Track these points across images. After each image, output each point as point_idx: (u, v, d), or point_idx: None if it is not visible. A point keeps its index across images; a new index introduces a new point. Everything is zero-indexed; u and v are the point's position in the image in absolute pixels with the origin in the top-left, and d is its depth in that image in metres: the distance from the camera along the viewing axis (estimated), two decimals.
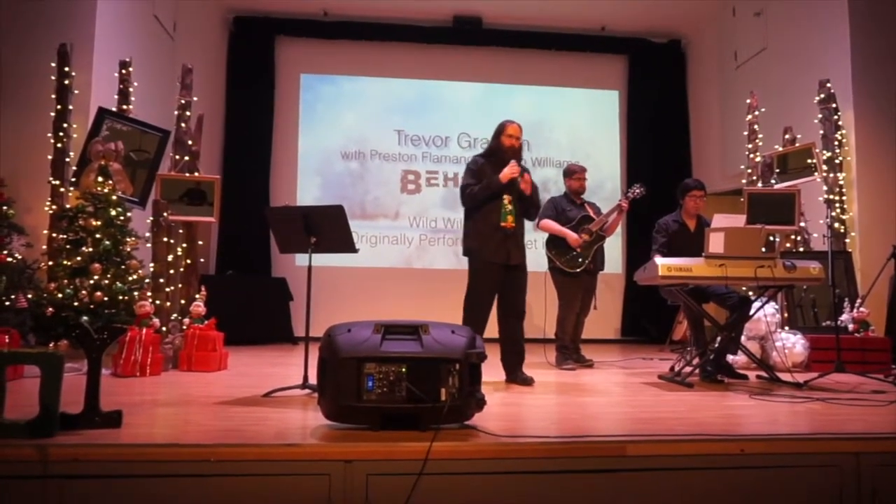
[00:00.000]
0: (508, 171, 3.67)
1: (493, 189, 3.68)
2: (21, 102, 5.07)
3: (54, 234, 4.42)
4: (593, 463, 2.08)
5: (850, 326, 4.80)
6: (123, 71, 5.11)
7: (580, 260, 4.90)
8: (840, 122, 5.71)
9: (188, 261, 5.15)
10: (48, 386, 2.11)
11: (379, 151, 8.11)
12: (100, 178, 4.10)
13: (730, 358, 4.21)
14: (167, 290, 4.79)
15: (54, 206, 4.77)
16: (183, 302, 4.96)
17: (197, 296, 4.70)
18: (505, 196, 3.70)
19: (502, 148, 3.75)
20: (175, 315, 4.74)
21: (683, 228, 4.37)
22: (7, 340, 3.74)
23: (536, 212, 4.04)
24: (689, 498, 2.09)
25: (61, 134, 4.86)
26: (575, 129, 8.29)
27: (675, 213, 4.46)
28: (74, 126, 4.95)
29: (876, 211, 5.56)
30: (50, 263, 4.20)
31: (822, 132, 5.70)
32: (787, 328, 5.00)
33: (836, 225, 5.45)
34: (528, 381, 3.66)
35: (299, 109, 8.07)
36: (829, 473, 2.15)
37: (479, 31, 8.13)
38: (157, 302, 4.59)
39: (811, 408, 2.98)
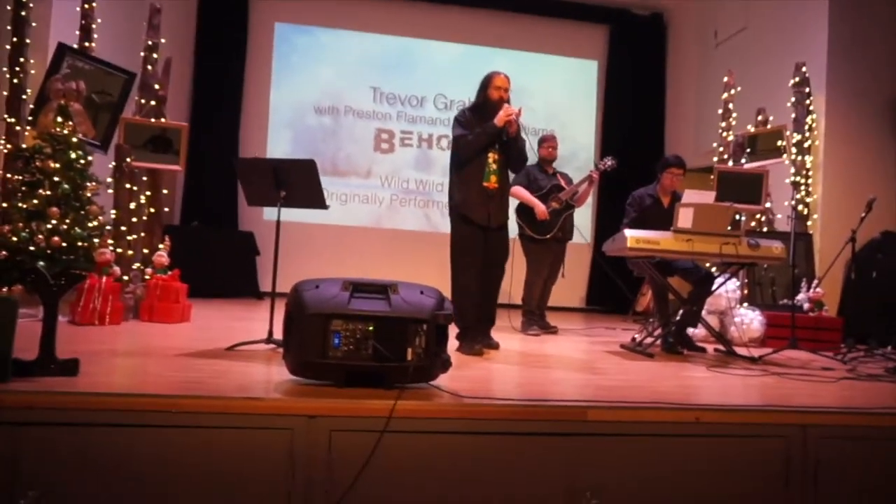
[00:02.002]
0: (504, 114, 3.50)
1: (489, 134, 3.53)
2: None
3: (8, 175, 4.22)
4: (554, 426, 2.12)
5: (806, 306, 4.96)
6: (86, 5, 4.85)
7: (548, 227, 4.92)
8: (811, 108, 5.80)
9: (152, 209, 5.01)
10: (1, 331, 2.04)
11: (353, 108, 7.95)
12: (59, 119, 3.93)
13: (689, 331, 4.32)
14: (129, 238, 4.66)
15: (9, 146, 4.55)
16: (146, 251, 4.85)
17: (160, 245, 4.59)
18: (490, 154, 3.60)
19: (490, 101, 3.62)
20: (137, 264, 4.63)
21: (657, 203, 4.40)
22: None
23: (522, 165, 3.90)
24: (646, 463, 2.15)
25: (17, 69, 4.61)
26: (552, 97, 8.24)
27: (650, 187, 4.48)
28: (32, 62, 4.69)
29: (839, 195, 5.70)
30: (4, 206, 4.02)
31: (793, 115, 5.78)
32: (745, 304, 5.14)
33: (800, 207, 5.58)
34: (493, 346, 3.68)
35: (272, 59, 7.81)
36: (778, 443, 2.24)
37: None
38: (119, 250, 4.47)
39: (764, 381, 3.08)
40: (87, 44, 4.82)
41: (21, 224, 3.10)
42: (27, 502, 1.83)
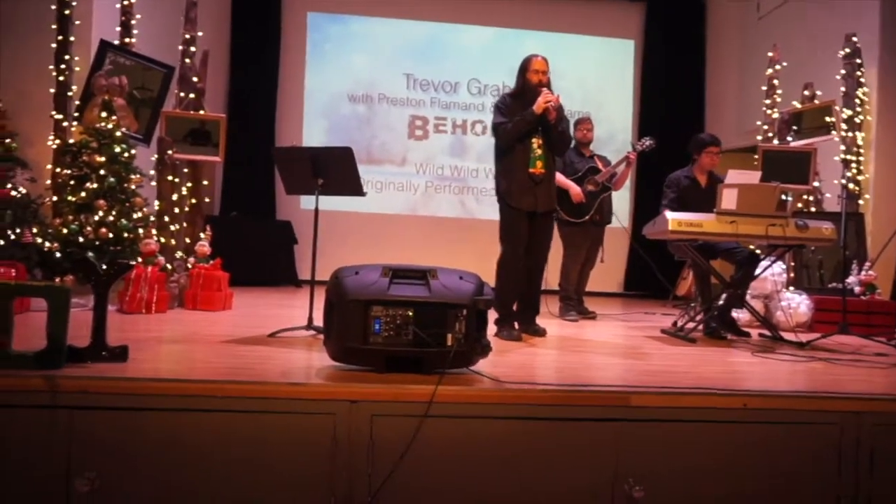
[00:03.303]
0: (542, 101, 3.44)
1: (528, 122, 3.48)
2: (21, 32, 4.94)
3: (58, 170, 4.37)
4: (596, 412, 2.09)
5: (857, 289, 4.78)
6: (125, 2, 4.96)
7: (584, 210, 4.85)
8: (863, 80, 5.54)
9: (193, 200, 5.12)
10: (55, 319, 2.12)
11: (387, 95, 7.95)
12: (103, 114, 4.03)
13: (734, 315, 4.21)
14: (172, 228, 4.78)
15: (58, 141, 4.70)
16: (188, 241, 4.96)
17: (202, 235, 4.69)
18: (534, 140, 3.55)
19: (529, 85, 3.56)
20: (180, 254, 4.74)
21: (695, 184, 4.30)
22: (13, 274, 3.74)
23: (565, 148, 3.87)
24: (691, 450, 2.11)
25: (63, 66, 4.75)
26: (587, 79, 8.09)
27: (686, 169, 4.37)
28: (76, 59, 4.83)
29: (892, 174, 5.46)
30: (54, 199, 4.17)
31: (843, 89, 5.54)
32: (792, 288, 4.98)
33: (851, 186, 5.37)
34: (540, 332, 3.64)
35: (306, 49, 7.86)
36: (830, 431, 2.17)
37: None
38: (163, 240, 4.58)
39: (812, 367, 2.98)
40: (127, 39, 4.94)
41: (70, 217, 3.21)
42: (82, 482, 1.90)
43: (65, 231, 3.04)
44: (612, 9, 8.20)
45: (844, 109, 5.48)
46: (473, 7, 8.00)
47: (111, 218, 3.60)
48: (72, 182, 3.70)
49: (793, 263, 5.21)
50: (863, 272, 4.83)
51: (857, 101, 5.50)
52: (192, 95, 5.17)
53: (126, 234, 3.74)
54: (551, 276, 4.86)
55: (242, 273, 5.43)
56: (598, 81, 8.16)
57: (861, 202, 5.43)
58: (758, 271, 4.04)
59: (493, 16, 8.02)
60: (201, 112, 5.21)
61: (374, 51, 7.91)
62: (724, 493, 2.12)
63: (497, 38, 8.05)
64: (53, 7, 4.77)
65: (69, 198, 3.63)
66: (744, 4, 7.53)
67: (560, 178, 4.91)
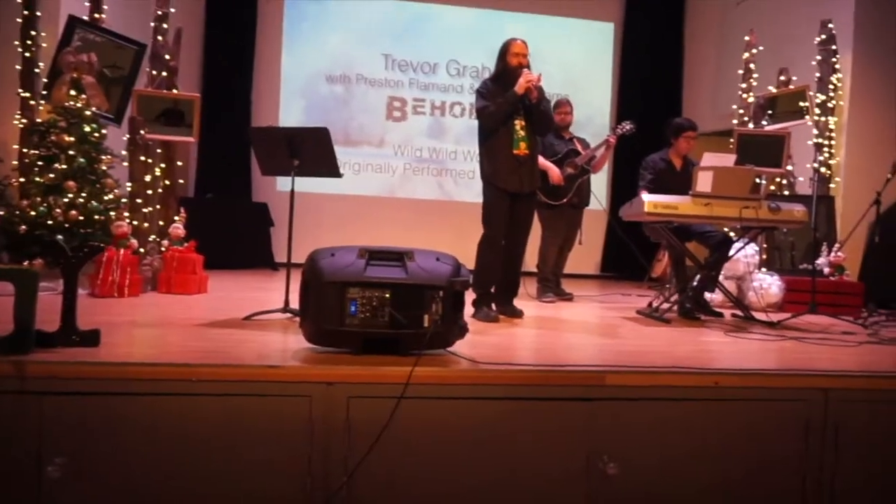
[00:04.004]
0: (524, 81, 3.47)
1: (511, 103, 3.50)
2: None
3: (25, 150, 4.25)
4: (572, 391, 2.12)
5: (826, 270, 4.88)
6: None
7: (562, 192, 4.87)
8: (837, 66, 5.62)
9: (166, 182, 5.02)
10: (23, 303, 2.07)
11: (365, 76, 7.85)
12: (72, 92, 3.91)
13: (707, 296, 4.28)
14: (145, 210, 4.69)
15: (24, 120, 4.57)
16: (162, 224, 4.88)
17: (176, 217, 4.61)
18: (517, 121, 3.56)
19: (509, 68, 3.58)
20: (153, 237, 4.66)
21: (670, 167, 4.34)
22: None
23: (548, 129, 3.92)
24: (665, 427, 2.15)
25: (29, 42, 4.60)
26: (567, 61, 8.06)
27: (662, 151, 4.41)
28: (43, 35, 4.68)
29: (862, 157, 5.56)
30: (21, 180, 4.05)
31: (818, 75, 5.61)
32: (764, 269, 5.08)
33: (823, 169, 5.46)
34: (517, 314, 3.67)
35: (283, 28, 7.71)
36: (798, 407, 2.23)
37: None
38: (135, 223, 4.50)
39: (783, 346, 3.05)
40: (96, 15, 4.79)
41: (39, 198, 3.13)
42: (54, 469, 1.87)
43: (32, 213, 2.96)
44: None
45: (818, 94, 5.55)
46: None
47: (81, 199, 3.49)
48: (40, 163, 3.59)
49: (765, 245, 5.30)
50: (832, 254, 4.94)
51: (831, 86, 5.58)
52: (164, 74, 5.05)
53: (97, 217, 3.64)
54: (529, 257, 4.89)
55: (218, 256, 5.36)
56: (577, 64, 8.15)
57: (832, 185, 5.53)
58: (731, 253, 4.11)
59: None
60: (174, 91, 5.10)
61: (353, 30, 7.80)
62: (696, 469, 2.17)
63: (476, 19, 7.98)
64: None
65: (37, 179, 3.51)
66: None
67: (540, 160, 4.91)
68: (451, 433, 2.05)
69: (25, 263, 3.47)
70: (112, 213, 3.88)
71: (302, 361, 2.15)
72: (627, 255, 6.69)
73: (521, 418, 2.09)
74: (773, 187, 5.53)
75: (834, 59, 5.60)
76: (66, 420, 1.92)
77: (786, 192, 5.50)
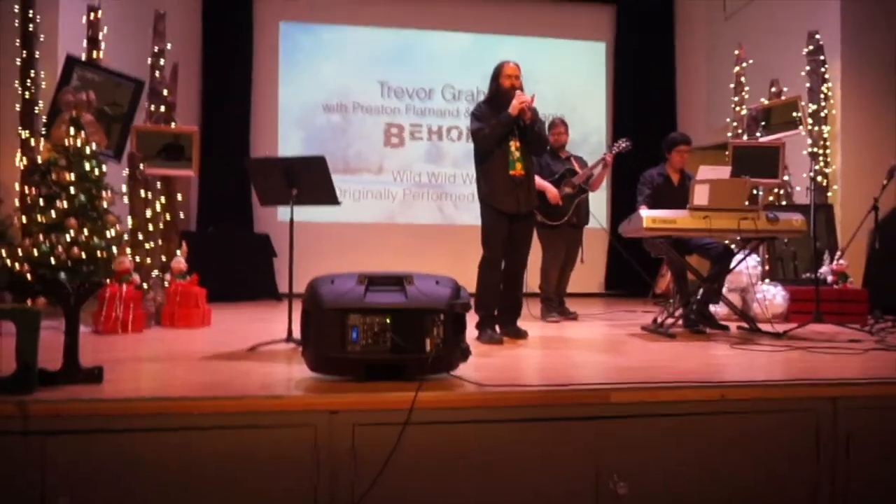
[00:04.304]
0: (517, 102, 3.50)
1: (505, 124, 3.54)
2: None
3: (26, 189, 4.29)
4: (578, 410, 2.10)
5: (829, 278, 4.87)
6: (92, 16, 4.89)
7: (561, 212, 4.88)
8: (827, 76, 5.67)
9: (167, 216, 5.05)
10: (25, 342, 2.07)
11: (361, 104, 7.94)
12: (71, 130, 3.96)
13: (711, 309, 4.26)
14: (147, 245, 4.71)
15: (25, 159, 4.62)
16: (164, 258, 4.90)
17: (178, 251, 4.63)
18: (512, 143, 3.59)
19: (502, 90, 3.62)
20: (156, 271, 4.67)
21: (667, 182, 4.36)
22: None
23: (543, 149, 3.95)
24: (673, 443, 2.13)
25: (29, 83, 4.68)
26: (561, 82, 8.15)
27: (659, 167, 4.44)
28: (43, 74, 4.76)
29: (858, 164, 5.58)
30: (23, 219, 4.08)
31: (808, 85, 5.67)
32: (767, 280, 5.06)
33: (819, 178, 5.48)
34: (521, 335, 3.65)
35: (279, 59, 7.82)
36: (807, 417, 2.21)
37: None
38: (137, 258, 4.52)
39: (790, 356, 3.03)
40: (94, 54, 4.87)
41: (41, 237, 3.14)
42: None
43: (35, 252, 2.98)
44: (583, 11, 8.30)
45: (810, 104, 5.59)
46: (445, 14, 8.03)
47: (83, 237, 3.53)
48: (41, 201, 3.64)
49: (767, 256, 5.30)
50: (835, 262, 4.93)
51: (822, 95, 5.63)
52: (162, 109, 5.12)
53: (99, 253, 3.67)
54: (531, 278, 4.89)
55: (221, 288, 5.37)
56: (571, 84, 8.24)
57: (829, 194, 5.54)
58: (732, 265, 4.10)
59: (465, 22, 8.06)
60: (172, 125, 5.16)
61: (347, 59, 7.91)
62: (707, 485, 2.14)
63: (470, 43, 8.09)
64: (17, 23, 4.69)
65: (39, 217, 3.56)
66: (711, 5, 7.67)
67: (537, 180, 4.94)
68: (457, 457, 2.03)
69: (28, 302, 3.48)
70: (114, 250, 3.91)
71: (305, 391, 2.14)
72: (630, 273, 6.70)
73: (528, 440, 2.07)
74: (771, 198, 5.54)
75: (823, 69, 5.65)
76: (69, 459, 1.90)
77: (784, 202, 5.51)
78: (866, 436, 2.22)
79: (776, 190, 5.55)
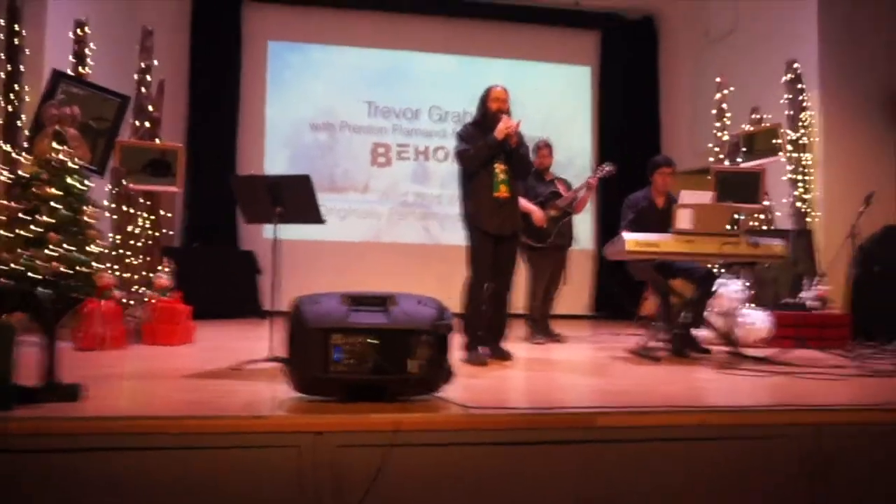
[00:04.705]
0: (503, 126, 3.55)
1: (490, 147, 3.58)
2: None
3: (7, 203, 4.23)
4: (563, 434, 2.09)
5: (810, 303, 4.93)
6: (79, 31, 4.88)
7: (545, 234, 4.92)
8: (806, 104, 5.80)
9: (152, 232, 5.00)
10: (0, 357, 2.03)
11: (349, 123, 7.96)
12: (55, 144, 3.92)
13: (695, 333, 4.29)
14: (129, 261, 4.66)
15: (6, 173, 4.56)
16: (147, 274, 4.84)
17: (160, 267, 4.58)
18: (497, 165, 3.63)
19: (489, 113, 3.67)
20: (137, 287, 4.61)
21: (652, 205, 4.40)
22: None
23: (527, 173, 4.02)
24: (658, 467, 2.12)
25: (12, 96, 4.63)
26: (546, 105, 8.25)
27: (644, 190, 4.48)
28: (27, 89, 4.71)
29: (839, 191, 5.69)
30: (3, 233, 4.01)
31: (789, 112, 5.79)
32: (753, 305, 5.11)
33: (799, 204, 5.57)
34: (506, 356, 3.65)
35: (266, 78, 7.84)
36: (790, 444, 2.21)
37: (451, 2, 8.00)
38: (119, 273, 4.46)
39: (773, 381, 3.05)
40: (80, 69, 4.85)
41: (21, 250, 3.09)
42: None
43: (13, 266, 2.93)
44: (569, 36, 8.44)
45: (790, 132, 5.71)
46: (433, 35, 8.12)
47: (64, 251, 3.47)
48: (22, 215, 3.58)
49: (752, 280, 5.35)
50: (814, 287, 4.99)
51: (802, 123, 5.75)
52: (147, 125, 5.10)
53: (80, 268, 3.61)
54: (517, 299, 4.89)
55: (205, 305, 5.29)
56: (556, 107, 8.34)
57: (809, 219, 5.63)
58: (714, 288, 4.14)
59: (452, 44, 8.15)
60: (157, 141, 5.13)
61: (335, 79, 7.94)
62: None
63: (457, 65, 8.18)
64: (2, 37, 4.66)
65: (19, 231, 3.50)
66: (693, 32, 7.84)
67: (522, 202, 4.97)
68: (442, 480, 2.01)
69: (4, 316, 3.41)
70: (95, 265, 3.85)
71: (289, 411, 2.11)
72: (616, 295, 6.73)
73: (512, 463, 2.06)
74: (753, 223, 5.62)
75: (802, 98, 5.78)
76: (47, 477, 1.85)
77: (765, 227, 5.59)
78: (849, 463, 2.22)
79: (758, 215, 5.63)
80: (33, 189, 3.45)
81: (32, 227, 3.21)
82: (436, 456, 2.03)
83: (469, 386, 2.65)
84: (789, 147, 5.64)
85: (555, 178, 5.22)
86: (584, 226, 7.50)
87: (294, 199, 3.33)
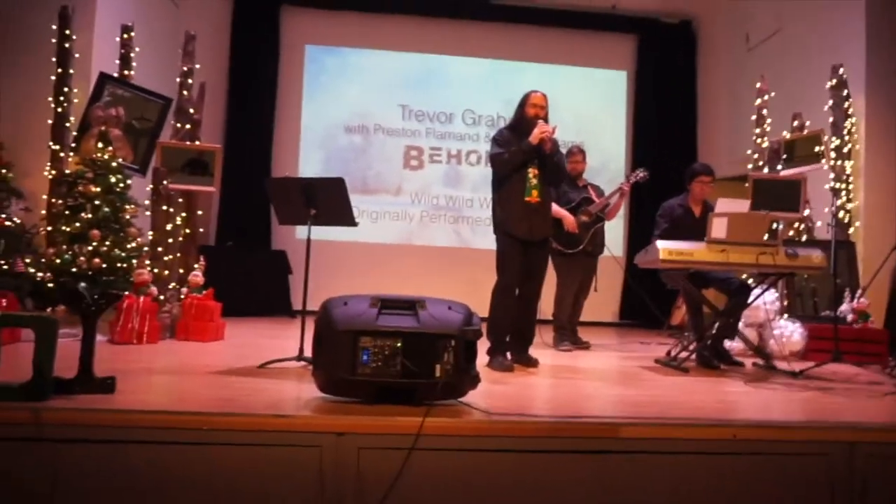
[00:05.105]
0: (538, 132, 3.53)
1: (525, 153, 3.56)
2: (21, 65, 5.01)
3: (53, 200, 4.39)
4: (586, 444, 2.07)
5: (850, 317, 4.78)
6: (125, 36, 5.04)
7: (577, 240, 4.87)
8: (850, 111, 5.63)
9: (187, 230, 5.13)
10: (42, 350, 2.11)
11: (382, 126, 8.03)
12: (100, 144, 4.07)
13: (727, 344, 4.20)
14: (166, 258, 4.78)
15: (54, 172, 4.74)
16: (182, 271, 4.96)
17: (195, 265, 4.69)
18: (530, 170, 3.61)
19: (527, 118, 3.66)
20: (173, 284, 4.73)
21: (688, 213, 4.32)
22: (4, 304, 3.74)
23: (560, 180, 3.99)
24: (681, 482, 2.09)
25: (62, 98, 4.82)
26: (581, 109, 8.18)
27: (681, 197, 4.41)
28: (75, 91, 4.90)
29: (882, 201, 5.50)
30: (49, 229, 4.17)
31: (832, 119, 5.62)
32: (786, 316, 4.98)
33: (841, 214, 5.41)
34: (532, 363, 3.63)
35: (303, 81, 7.97)
36: (823, 462, 2.15)
37: (486, 7, 8.01)
38: (156, 270, 4.58)
39: (806, 396, 2.97)
40: (126, 72, 5.01)
41: (65, 246, 3.21)
42: None
43: (58, 261, 3.04)
44: (605, 40, 8.35)
45: (833, 138, 5.55)
46: (468, 40, 8.14)
47: (105, 248, 3.59)
48: (66, 212, 3.71)
49: (786, 291, 5.22)
50: (855, 300, 4.84)
51: (846, 130, 5.58)
52: (188, 126, 5.23)
53: (119, 264, 3.72)
54: (545, 306, 4.87)
55: (237, 303, 5.41)
56: (591, 112, 8.26)
57: (851, 230, 5.46)
58: (749, 300, 4.05)
59: (487, 48, 8.15)
60: (197, 143, 5.26)
61: (370, 82, 8.02)
62: None
63: (491, 69, 8.18)
64: (54, 41, 4.85)
65: (63, 227, 3.63)
66: (733, 35, 7.68)
67: (554, 207, 4.94)
68: (462, 485, 2.02)
69: (49, 310, 3.54)
70: (134, 261, 3.97)
71: (313, 411, 2.14)
72: (645, 303, 6.64)
73: (534, 471, 2.05)
74: (791, 232, 5.48)
75: (846, 104, 5.61)
76: (80, 467, 1.93)
77: (804, 237, 5.44)
78: (884, 483, 2.15)
79: (797, 224, 5.48)
80: (78, 187, 3.59)
81: (76, 223, 3.33)
82: (457, 461, 2.03)
83: (493, 392, 2.65)
84: (832, 155, 5.48)
85: (587, 184, 5.18)
86: (614, 232, 7.40)
87: (328, 201, 3.37)
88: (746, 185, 5.38)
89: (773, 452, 2.15)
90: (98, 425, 1.96)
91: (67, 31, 4.87)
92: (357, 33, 8.00)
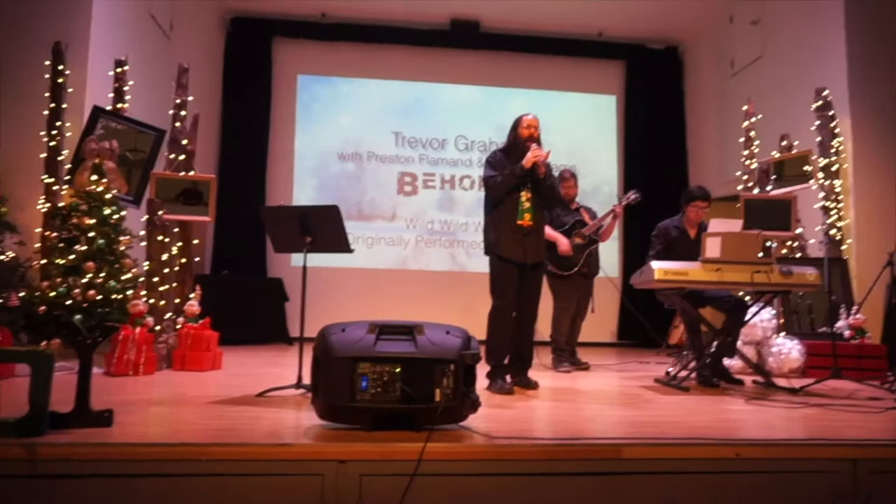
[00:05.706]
0: (531, 155, 3.55)
1: (517, 175, 3.57)
2: (15, 100, 5.04)
3: (47, 233, 4.39)
4: (588, 465, 2.06)
5: (847, 333, 4.80)
6: (119, 70, 5.10)
7: (572, 262, 4.89)
8: (837, 130, 5.73)
9: (183, 260, 5.12)
10: (38, 384, 2.09)
11: (376, 153, 8.10)
12: (94, 177, 4.08)
13: (726, 362, 4.20)
14: (161, 289, 4.76)
15: (48, 204, 4.74)
16: (177, 301, 4.93)
17: (191, 295, 4.67)
18: (523, 193, 3.62)
19: (520, 140, 3.68)
20: (169, 314, 4.71)
21: (683, 235, 4.35)
22: None
23: (554, 204, 3.98)
24: (685, 502, 2.07)
25: (55, 132, 4.84)
26: (572, 134, 8.30)
27: (676, 218, 4.44)
28: (69, 124, 4.92)
29: (872, 218, 5.56)
30: (43, 262, 4.15)
31: (818, 139, 5.71)
32: (783, 334, 4.99)
33: (833, 232, 5.46)
34: (532, 385, 3.62)
35: (296, 110, 8.05)
36: (825, 480, 2.14)
37: (476, 35, 8.15)
38: (152, 301, 4.56)
39: (807, 413, 2.96)
40: (119, 105, 5.04)
41: (59, 279, 3.20)
42: None
43: (52, 293, 3.03)
44: (594, 66, 8.50)
45: (821, 158, 5.63)
46: (459, 67, 8.27)
47: (100, 280, 3.58)
48: (61, 244, 3.70)
49: (782, 309, 5.23)
50: (851, 316, 4.86)
51: (833, 150, 5.66)
52: (182, 157, 5.25)
53: (114, 296, 3.71)
54: (543, 328, 4.86)
55: (234, 332, 5.38)
56: (583, 136, 8.37)
57: (844, 247, 5.51)
58: (746, 318, 4.06)
59: (479, 75, 8.28)
60: (191, 173, 5.28)
61: (363, 110, 8.12)
62: None
63: (483, 96, 8.29)
64: (47, 76, 4.89)
65: (58, 260, 3.62)
66: (718, 61, 7.84)
67: (548, 230, 4.97)
68: None
69: (43, 344, 3.51)
70: (129, 293, 3.95)
71: (314, 439, 2.12)
72: (642, 323, 6.64)
73: (536, 494, 2.03)
74: (784, 251, 5.52)
75: (832, 124, 5.71)
76: (77, 503, 1.89)
77: (798, 255, 5.48)
78: (889, 500, 2.14)
79: (790, 243, 5.53)
80: (72, 220, 3.58)
81: (71, 256, 3.32)
82: (459, 486, 2.01)
83: (493, 416, 2.64)
84: (820, 174, 5.55)
85: (580, 207, 5.22)
86: (609, 253, 7.44)
87: (323, 228, 3.38)
88: (738, 205, 5.44)
89: (776, 470, 2.14)
90: (96, 459, 1.93)
91: (61, 67, 4.92)
92: (348, 63, 8.11)
